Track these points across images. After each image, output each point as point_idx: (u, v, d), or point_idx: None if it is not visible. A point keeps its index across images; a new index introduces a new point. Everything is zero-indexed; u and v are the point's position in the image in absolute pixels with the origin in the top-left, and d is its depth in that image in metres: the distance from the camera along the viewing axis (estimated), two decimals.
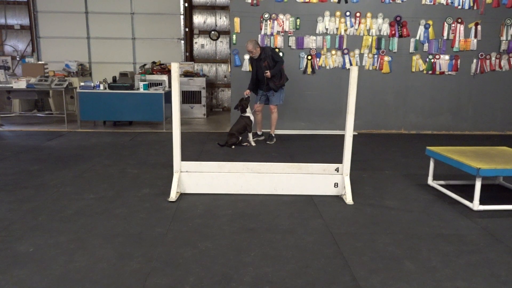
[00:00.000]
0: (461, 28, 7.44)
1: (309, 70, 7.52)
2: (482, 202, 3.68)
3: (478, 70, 7.62)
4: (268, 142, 6.48)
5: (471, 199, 3.72)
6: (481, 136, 7.56)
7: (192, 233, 3.13)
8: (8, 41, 10.30)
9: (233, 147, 6.10)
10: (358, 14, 7.33)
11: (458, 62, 7.58)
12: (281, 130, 7.53)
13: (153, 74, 9.14)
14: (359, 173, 4.80)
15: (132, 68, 10.19)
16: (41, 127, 7.71)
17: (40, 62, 9.42)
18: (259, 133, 6.78)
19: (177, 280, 2.46)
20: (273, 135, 6.62)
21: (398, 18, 7.38)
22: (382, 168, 5.12)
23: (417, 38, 7.47)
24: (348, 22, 7.38)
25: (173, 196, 3.84)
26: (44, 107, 9.36)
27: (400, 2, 7.31)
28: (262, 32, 7.36)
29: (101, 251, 2.80)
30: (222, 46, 10.70)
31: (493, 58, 7.59)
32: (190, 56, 10.46)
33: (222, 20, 10.56)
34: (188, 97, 9.30)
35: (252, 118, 6.26)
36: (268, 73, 6.09)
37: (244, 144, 6.23)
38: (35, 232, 3.09)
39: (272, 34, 7.36)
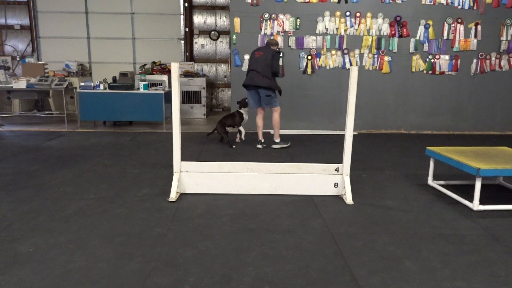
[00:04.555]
0: (461, 28, 7.44)
1: (309, 70, 7.52)
2: (482, 202, 3.68)
3: (478, 70, 7.63)
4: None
5: (471, 199, 3.72)
6: (481, 136, 7.56)
7: (192, 233, 3.13)
8: (8, 41, 10.30)
9: (233, 146, 6.17)
10: (358, 14, 7.33)
11: (458, 62, 7.58)
12: (281, 130, 7.51)
13: (153, 74, 9.14)
14: (359, 173, 4.80)
15: (132, 68, 10.19)
16: (41, 127, 7.71)
17: (40, 62, 9.43)
18: (262, 140, 6.30)
19: (177, 280, 2.46)
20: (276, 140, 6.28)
21: (398, 18, 7.38)
22: (382, 168, 5.12)
23: (417, 38, 7.48)
24: (348, 22, 7.38)
25: (173, 196, 3.84)
26: (44, 107, 9.37)
27: (400, 2, 7.31)
28: (262, 32, 7.36)
29: (101, 251, 2.80)
30: (222, 46, 10.70)
31: (493, 58, 7.59)
32: (190, 56, 10.47)
33: (222, 20, 10.57)
34: (188, 97, 9.31)
35: (245, 116, 6.34)
36: None
37: (237, 141, 6.47)
38: (35, 232, 3.09)
39: (272, 34, 7.36)
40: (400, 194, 4.15)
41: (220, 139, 6.40)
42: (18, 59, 10.19)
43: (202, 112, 9.37)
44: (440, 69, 7.60)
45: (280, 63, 7.44)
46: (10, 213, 3.45)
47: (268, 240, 3.02)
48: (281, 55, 7.39)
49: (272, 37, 7.32)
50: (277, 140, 6.17)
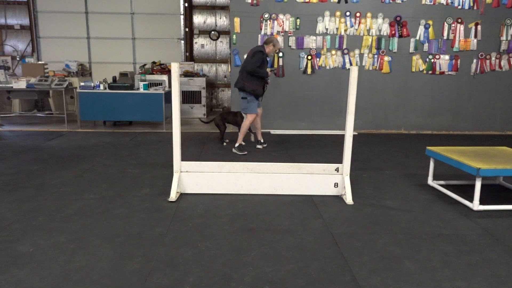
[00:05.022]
0: (461, 28, 7.44)
1: (309, 70, 7.52)
2: (482, 202, 3.68)
3: (478, 70, 7.63)
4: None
5: (471, 199, 3.72)
6: (481, 136, 7.56)
7: (192, 233, 3.13)
8: (8, 41, 10.30)
9: (224, 144, 6.23)
10: (358, 14, 7.33)
11: (458, 62, 7.58)
12: (281, 130, 7.53)
13: (153, 74, 9.14)
14: (359, 173, 4.80)
15: (132, 68, 10.19)
16: (41, 127, 7.71)
17: (40, 62, 9.43)
18: (261, 140, 6.19)
19: (177, 280, 2.46)
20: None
21: (398, 18, 7.38)
22: (382, 168, 5.12)
23: (417, 38, 7.48)
24: (348, 22, 7.38)
25: (173, 196, 3.84)
26: (44, 107, 9.36)
27: (400, 2, 7.31)
28: (262, 32, 7.35)
29: (101, 251, 2.80)
30: (222, 46, 10.70)
31: (493, 58, 7.59)
32: (190, 56, 10.47)
33: (222, 20, 10.56)
34: (188, 97, 9.30)
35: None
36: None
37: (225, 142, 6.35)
38: (35, 232, 3.09)
39: (272, 34, 7.35)
40: (400, 194, 4.15)
41: (220, 137, 6.37)
42: (18, 59, 10.19)
43: (202, 112, 9.36)
44: (440, 69, 7.60)
45: (280, 63, 7.45)
46: (10, 213, 3.45)
47: (268, 240, 3.02)
48: (280, 54, 7.40)
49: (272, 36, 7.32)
50: (236, 145, 5.71)
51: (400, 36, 7.44)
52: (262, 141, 6.14)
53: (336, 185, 4.04)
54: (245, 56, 7.24)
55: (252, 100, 5.62)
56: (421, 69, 7.60)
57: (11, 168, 4.85)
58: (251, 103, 5.63)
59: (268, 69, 5.67)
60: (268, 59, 5.82)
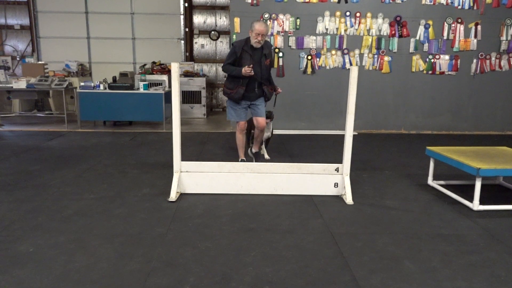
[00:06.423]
0: (461, 28, 7.44)
1: (309, 70, 7.52)
2: (482, 202, 3.68)
3: (478, 70, 7.62)
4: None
5: (471, 199, 3.72)
6: (481, 136, 7.56)
7: (192, 233, 3.13)
8: (8, 41, 10.30)
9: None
10: (358, 14, 7.33)
11: (458, 62, 7.58)
12: (281, 130, 7.53)
13: (153, 74, 9.14)
14: (359, 173, 4.80)
15: (132, 68, 10.19)
16: (41, 127, 7.71)
17: (40, 62, 9.43)
18: (254, 151, 5.07)
19: (177, 280, 2.46)
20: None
21: (398, 18, 7.38)
22: (382, 168, 5.12)
23: (417, 38, 7.47)
24: (348, 22, 7.38)
25: (173, 196, 3.84)
26: (44, 107, 9.36)
27: (400, 2, 7.31)
28: None
29: (101, 251, 2.80)
30: (222, 46, 10.70)
31: (493, 58, 7.59)
32: (190, 56, 10.47)
33: (222, 20, 10.56)
34: (188, 97, 9.31)
35: (267, 132, 5.19)
36: (252, 72, 4.35)
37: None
38: (35, 232, 3.09)
39: (272, 34, 7.36)
40: (400, 194, 4.15)
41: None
42: (18, 59, 10.18)
43: (202, 112, 9.37)
44: (440, 69, 7.60)
45: (280, 63, 7.45)
46: (10, 213, 3.45)
47: (268, 240, 3.02)
48: (280, 54, 7.40)
49: (271, 38, 7.31)
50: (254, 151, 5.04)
51: (400, 36, 7.44)
52: (253, 151, 5.03)
53: (336, 185, 4.04)
54: None
55: (229, 105, 4.70)
56: (421, 69, 7.60)
57: (11, 168, 4.85)
58: (227, 107, 4.75)
59: (245, 67, 4.35)
60: (264, 53, 4.51)
